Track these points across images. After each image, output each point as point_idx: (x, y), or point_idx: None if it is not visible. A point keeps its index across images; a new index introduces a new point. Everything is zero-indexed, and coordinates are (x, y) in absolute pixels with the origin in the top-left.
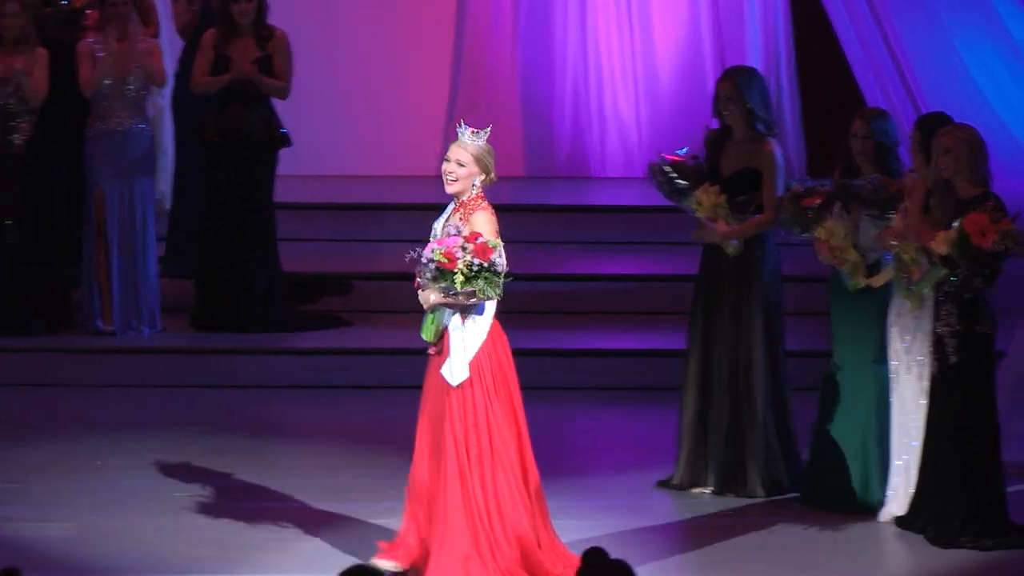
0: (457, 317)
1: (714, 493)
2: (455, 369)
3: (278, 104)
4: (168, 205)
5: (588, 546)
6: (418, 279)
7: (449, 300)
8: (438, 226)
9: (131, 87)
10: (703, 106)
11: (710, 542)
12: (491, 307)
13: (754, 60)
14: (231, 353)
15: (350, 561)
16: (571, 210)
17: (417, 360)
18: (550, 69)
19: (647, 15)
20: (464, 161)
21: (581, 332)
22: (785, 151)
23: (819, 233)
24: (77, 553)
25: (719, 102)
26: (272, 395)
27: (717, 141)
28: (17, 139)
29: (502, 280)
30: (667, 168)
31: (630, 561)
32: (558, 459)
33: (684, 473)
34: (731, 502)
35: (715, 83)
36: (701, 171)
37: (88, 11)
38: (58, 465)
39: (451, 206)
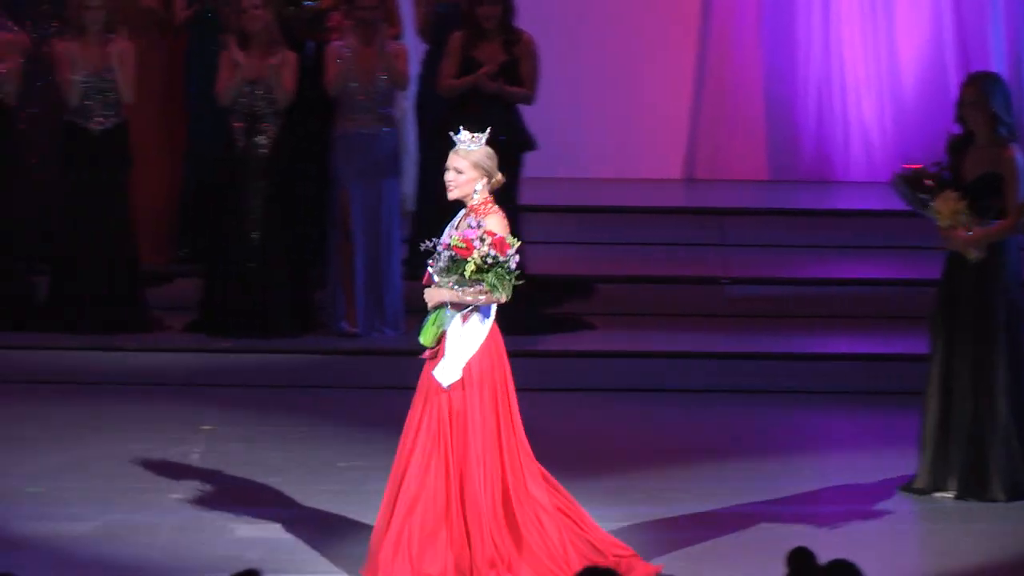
0: (459, 319)
1: (956, 497)
2: (448, 370)
3: (523, 106)
4: (412, 207)
5: (834, 554)
6: (428, 272)
7: (457, 297)
8: (446, 234)
9: (377, 90)
10: (946, 111)
11: (950, 546)
12: (493, 311)
13: (997, 65)
14: None
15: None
16: (815, 214)
17: (657, 363)
18: (793, 73)
19: (891, 19)
20: (462, 168)
21: (823, 336)
22: None
23: None
24: (323, 553)
25: (962, 107)
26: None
27: (959, 146)
28: (263, 140)
29: (512, 280)
30: (909, 179)
31: (865, 564)
32: (800, 462)
33: (926, 477)
34: (972, 506)
35: (958, 88)
36: (943, 178)
37: (333, 13)
38: (301, 466)
39: (460, 213)
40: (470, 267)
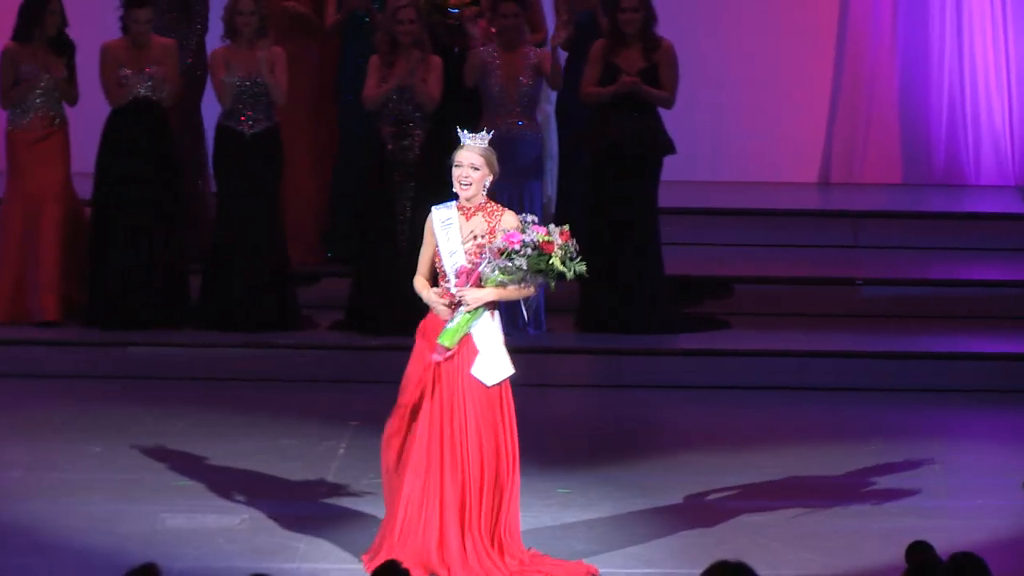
0: (487, 316)
1: None
2: (494, 367)
3: (664, 110)
4: (554, 209)
5: (956, 548)
6: (472, 272)
7: (510, 292)
8: (455, 234)
9: (520, 94)
10: None
11: None
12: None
13: None
14: (614, 354)
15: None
16: (947, 217)
17: (793, 362)
18: (927, 78)
19: (1021, 24)
20: (478, 164)
21: (954, 336)
22: None
23: None
24: None
25: None
26: (653, 395)
27: None
28: (410, 144)
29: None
30: None
31: (990, 560)
32: (929, 458)
33: None
34: None
35: None
36: None
37: (479, 20)
38: None
39: (451, 215)
40: (555, 260)
